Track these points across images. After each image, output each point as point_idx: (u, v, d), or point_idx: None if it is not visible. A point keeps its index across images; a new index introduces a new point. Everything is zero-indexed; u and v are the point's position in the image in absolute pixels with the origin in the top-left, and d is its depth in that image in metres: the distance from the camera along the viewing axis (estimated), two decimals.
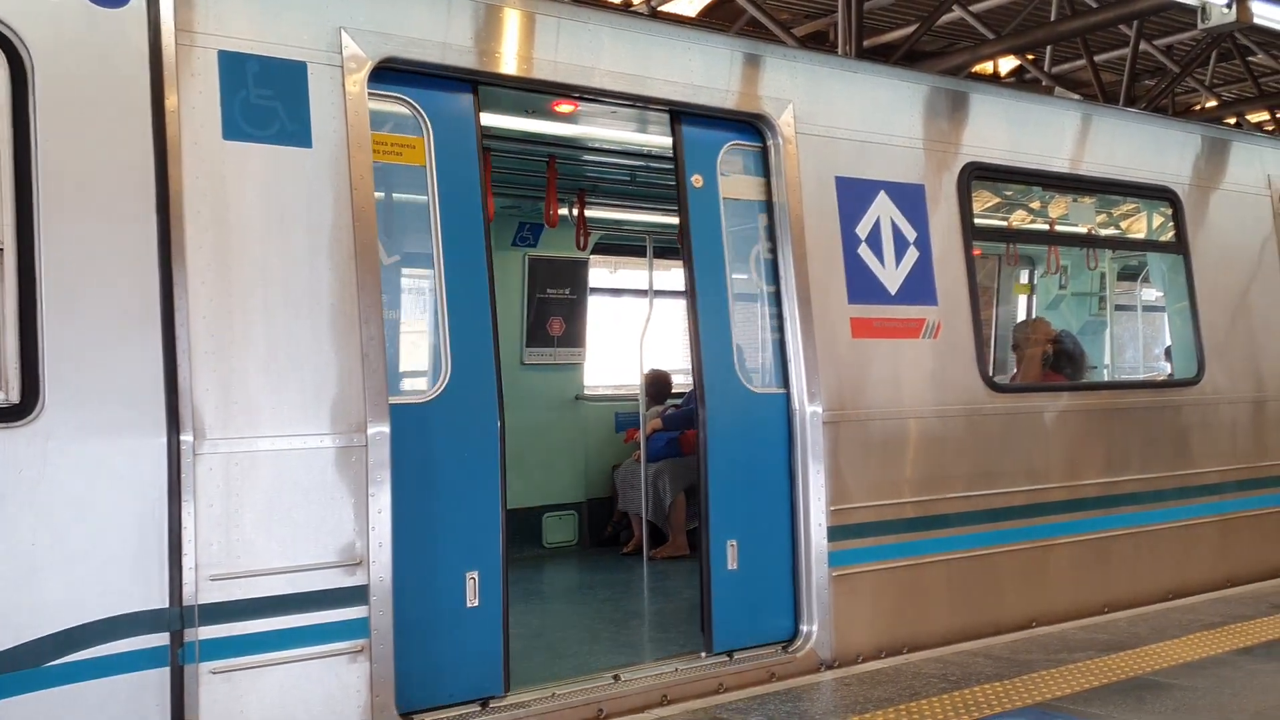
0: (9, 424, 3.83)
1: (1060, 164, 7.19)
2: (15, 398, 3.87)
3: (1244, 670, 5.39)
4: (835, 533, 5.75)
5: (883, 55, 12.74)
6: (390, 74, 4.81)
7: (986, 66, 15.04)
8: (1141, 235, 9.10)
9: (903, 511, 6.07)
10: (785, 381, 5.75)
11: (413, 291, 5.08)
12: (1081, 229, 8.52)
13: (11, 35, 3.94)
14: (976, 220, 6.75)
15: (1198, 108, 16.62)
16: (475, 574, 4.88)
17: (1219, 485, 7.64)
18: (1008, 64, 15.46)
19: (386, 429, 4.52)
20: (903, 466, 6.11)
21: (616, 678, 5.21)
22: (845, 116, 6.12)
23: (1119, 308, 10.76)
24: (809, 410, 5.71)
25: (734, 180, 5.81)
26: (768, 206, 5.85)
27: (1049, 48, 14.30)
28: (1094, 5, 11.87)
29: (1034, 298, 10.79)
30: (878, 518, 5.96)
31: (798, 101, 5.91)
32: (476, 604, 4.87)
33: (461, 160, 5.03)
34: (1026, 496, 6.59)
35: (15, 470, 3.83)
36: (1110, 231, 9.33)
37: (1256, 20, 7.68)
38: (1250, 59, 14.80)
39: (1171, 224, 7.87)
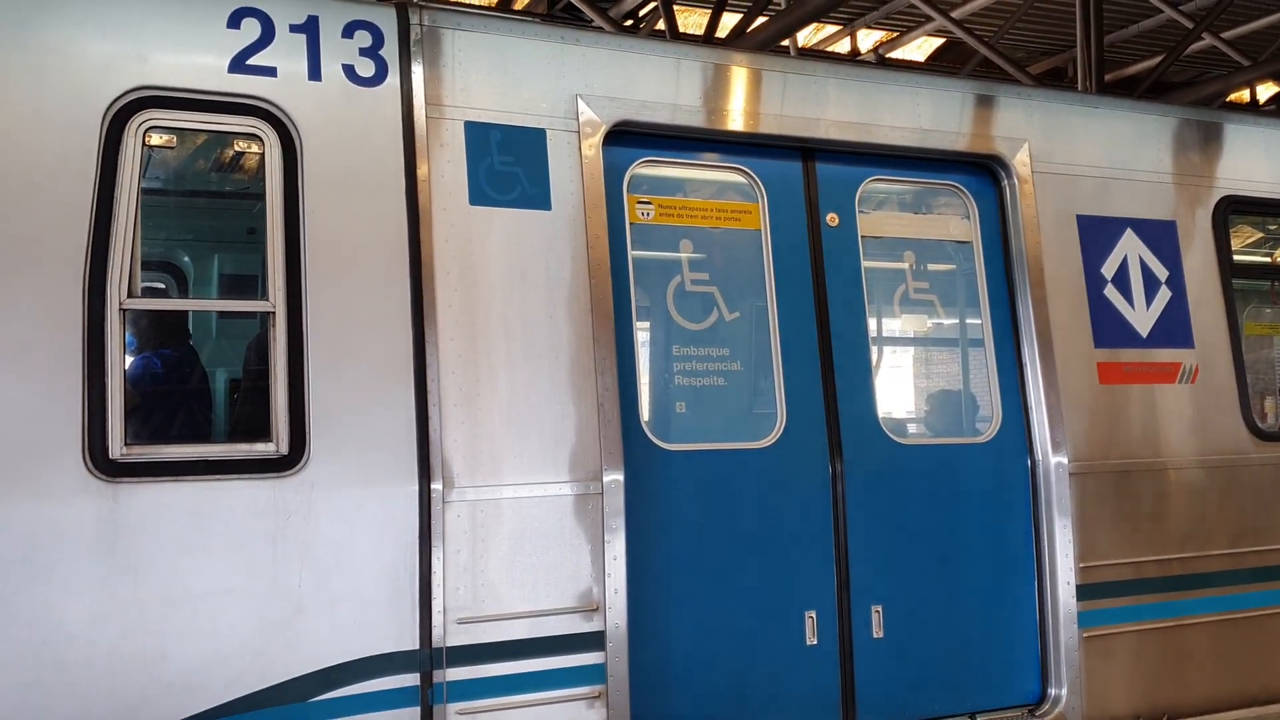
0: (279, 474, 4.15)
1: None
2: (285, 449, 4.19)
3: None
4: (1085, 591, 5.46)
5: (1127, 89, 12.18)
6: (729, 146, 5.17)
7: (1244, 94, 14.12)
8: None
9: (1161, 569, 5.70)
10: (1026, 431, 5.54)
11: (750, 345, 5.27)
12: None
13: (282, 115, 4.33)
14: (1236, 257, 6.33)
15: None
16: (813, 613, 4.99)
17: None
18: (1267, 91, 14.47)
19: (621, 476, 4.62)
20: (1159, 521, 5.74)
21: None
22: (1085, 153, 5.90)
23: None
24: (1053, 461, 5.47)
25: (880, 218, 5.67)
26: (1003, 246, 5.68)
27: None
28: None
29: None
30: (1133, 575, 5.62)
31: (1034, 140, 5.74)
32: (815, 643, 4.97)
33: (791, 223, 5.26)
34: None
35: (284, 516, 4.14)
36: None
37: None
38: None
39: None
